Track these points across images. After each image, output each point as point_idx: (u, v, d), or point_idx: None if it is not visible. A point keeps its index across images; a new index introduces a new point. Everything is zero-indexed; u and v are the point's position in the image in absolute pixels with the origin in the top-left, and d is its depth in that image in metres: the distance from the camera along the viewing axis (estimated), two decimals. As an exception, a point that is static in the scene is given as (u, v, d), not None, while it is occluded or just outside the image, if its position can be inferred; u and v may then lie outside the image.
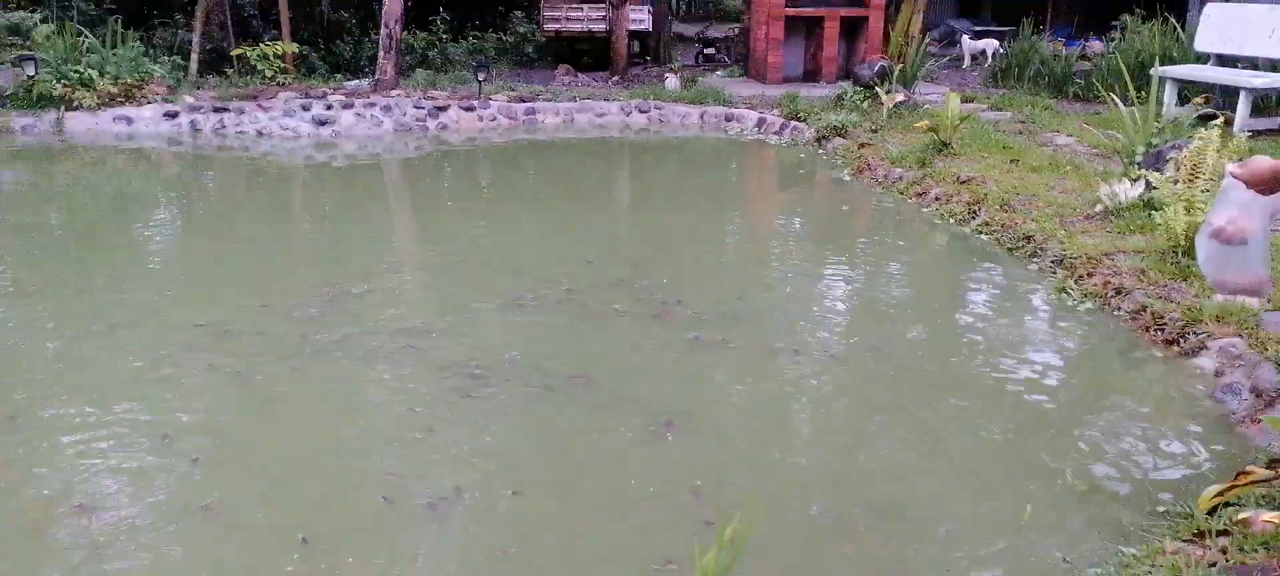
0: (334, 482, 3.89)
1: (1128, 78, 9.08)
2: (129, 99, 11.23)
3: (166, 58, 12.96)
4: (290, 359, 5.04)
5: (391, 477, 3.89)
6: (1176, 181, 5.96)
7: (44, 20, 11.89)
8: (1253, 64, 10.47)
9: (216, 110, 11.39)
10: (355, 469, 4.01)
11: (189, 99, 11.49)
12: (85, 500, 3.67)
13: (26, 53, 11.08)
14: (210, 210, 8.92)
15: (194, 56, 13.23)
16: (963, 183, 8.33)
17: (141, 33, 16.91)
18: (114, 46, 11.88)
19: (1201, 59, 11.03)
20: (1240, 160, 3.80)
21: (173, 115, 11.26)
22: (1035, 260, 6.64)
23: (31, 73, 10.84)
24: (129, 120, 11.12)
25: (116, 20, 12.96)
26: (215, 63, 14.10)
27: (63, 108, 10.87)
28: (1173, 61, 11.56)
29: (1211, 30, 10.87)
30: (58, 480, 3.83)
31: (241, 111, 11.43)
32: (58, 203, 8.88)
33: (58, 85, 10.84)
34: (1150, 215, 6.46)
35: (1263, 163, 2.93)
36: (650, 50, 18.72)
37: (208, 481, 3.86)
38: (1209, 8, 11.31)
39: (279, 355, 5.08)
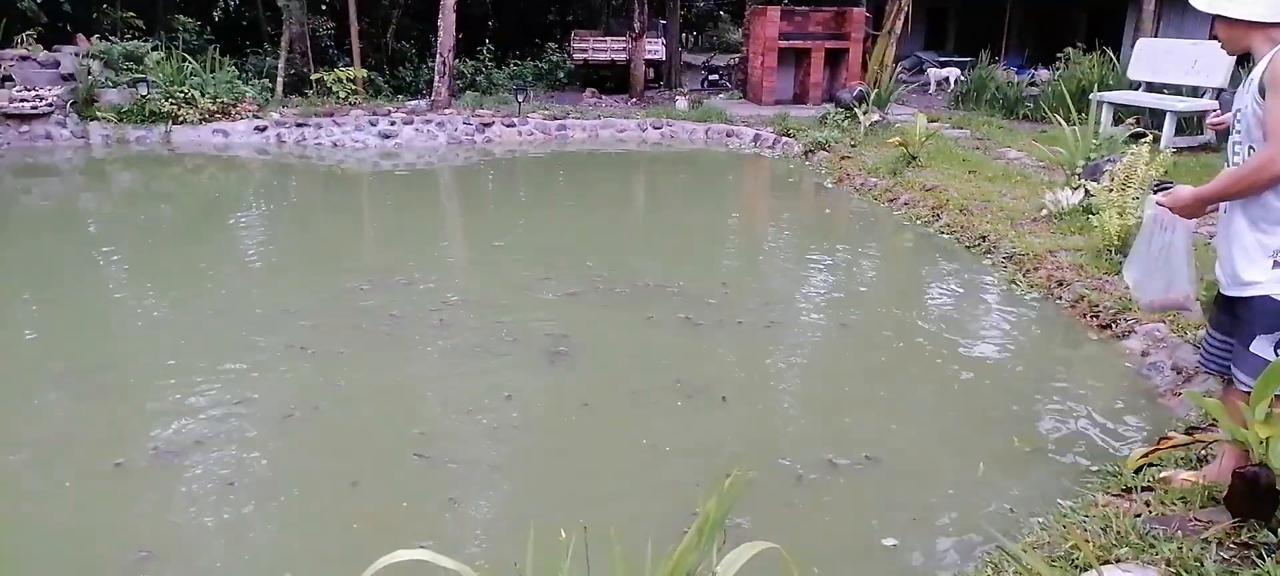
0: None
1: (1070, 101, 9.01)
2: (225, 115, 11.28)
3: (257, 80, 12.99)
4: (352, 330, 5.08)
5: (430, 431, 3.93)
6: (1110, 190, 5.92)
7: (154, 48, 11.92)
8: (1177, 90, 10.37)
9: (298, 125, 11.42)
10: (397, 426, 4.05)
11: (275, 115, 11.52)
12: (163, 446, 3.74)
13: (140, 75, 11.13)
14: (292, 207, 8.99)
15: (279, 79, 13.26)
16: (928, 190, 8.29)
17: (236, 59, 17.00)
18: (213, 71, 11.93)
19: (1134, 86, 10.93)
20: (1163, 188, 3.78)
21: (262, 129, 11.30)
22: (989, 256, 6.60)
23: (144, 93, 10.89)
24: (225, 133, 11.17)
25: (215, 48, 13.01)
26: (297, 85, 14.14)
27: (170, 122, 10.92)
28: (1109, 88, 11.46)
29: (1142, 62, 10.76)
30: (145, 427, 3.89)
31: (319, 126, 11.46)
32: (168, 200, 8.95)
33: (166, 103, 10.90)
34: (1088, 218, 6.43)
35: (1184, 190, 2.89)
36: (663, 76, 18.65)
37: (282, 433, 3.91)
38: (1140, 43, 11.19)
39: (343, 327, 5.12)
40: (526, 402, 4.28)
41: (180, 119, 10.96)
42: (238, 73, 13.74)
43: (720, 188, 10.52)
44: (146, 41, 13.47)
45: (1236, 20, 2.68)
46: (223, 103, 11.28)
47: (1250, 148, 2.72)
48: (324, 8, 18.49)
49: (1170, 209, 2.94)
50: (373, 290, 5.84)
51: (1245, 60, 2.78)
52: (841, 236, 8.00)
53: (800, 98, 14.58)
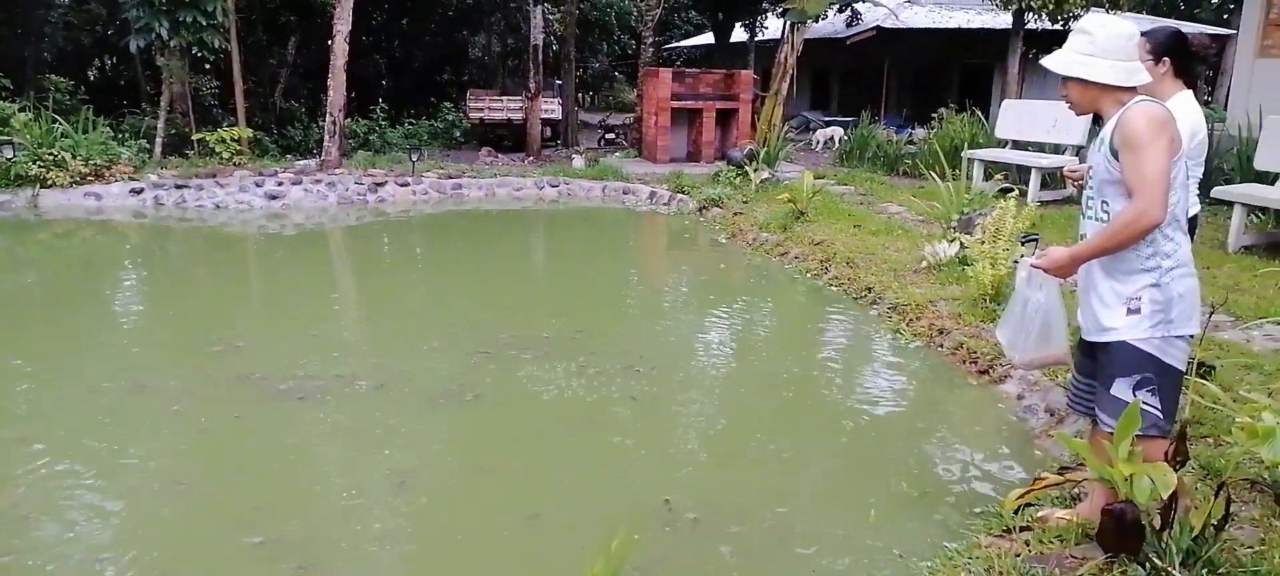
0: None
1: (943, 159, 9.44)
2: (98, 178, 10.72)
3: (133, 141, 12.43)
4: (229, 401, 4.84)
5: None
6: (982, 242, 6.20)
7: (22, 109, 11.29)
8: (1041, 147, 11.01)
9: (178, 187, 10.95)
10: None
11: (153, 177, 11.02)
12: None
13: (4, 137, 10.50)
14: (166, 272, 8.54)
15: (158, 140, 12.71)
16: (816, 244, 8.51)
17: (111, 120, 16.27)
18: (85, 132, 11.37)
19: (1001, 143, 11.54)
20: (1030, 240, 3.98)
21: (138, 191, 10.78)
22: (875, 306, 6.79)
23: (10, 156, 10.27)
24: (98, 196, 10.61)
25: (89, 109, 12.43)
26: (178, 145, 13.59)
27: (38, 186, 10.32)
28: (979, 145, 12.08)
29: (1008, 121, 11.40)
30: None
31: (200, 188, 11.02)
32: (30, 268, 8.41)
33: (33, 166, 10.29)
34: (964, 269, 6.69)
35: (1059, 252, 2.97)
36: (560, 134, 18.78)
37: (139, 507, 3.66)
38: (1005, 104, 11.88)
39: (215, 398, 4.87)
40: (418, 478, 4.14)
41: (49, 182, 10.36)
42: (113, 134, 13.15)
43: (619, 244, 10.57)
44: (14, 102, 12.77)
45: (1089, 82, 2.83)
46: (95, 165, 10.71)
47: (1104, 203, 2.86)
48: (207, 67, 17.97)
49: (1046, 270, 3.01)
50: (244, 359, 5.59)
51: (1098, 117, 2.94)
52: (735, 290, 8.11)
53: (693, 156, 14.86)
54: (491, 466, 4.22)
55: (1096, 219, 2.91)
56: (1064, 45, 2.95)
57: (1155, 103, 2.79)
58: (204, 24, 11.85)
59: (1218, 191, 8.03)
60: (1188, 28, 21.89)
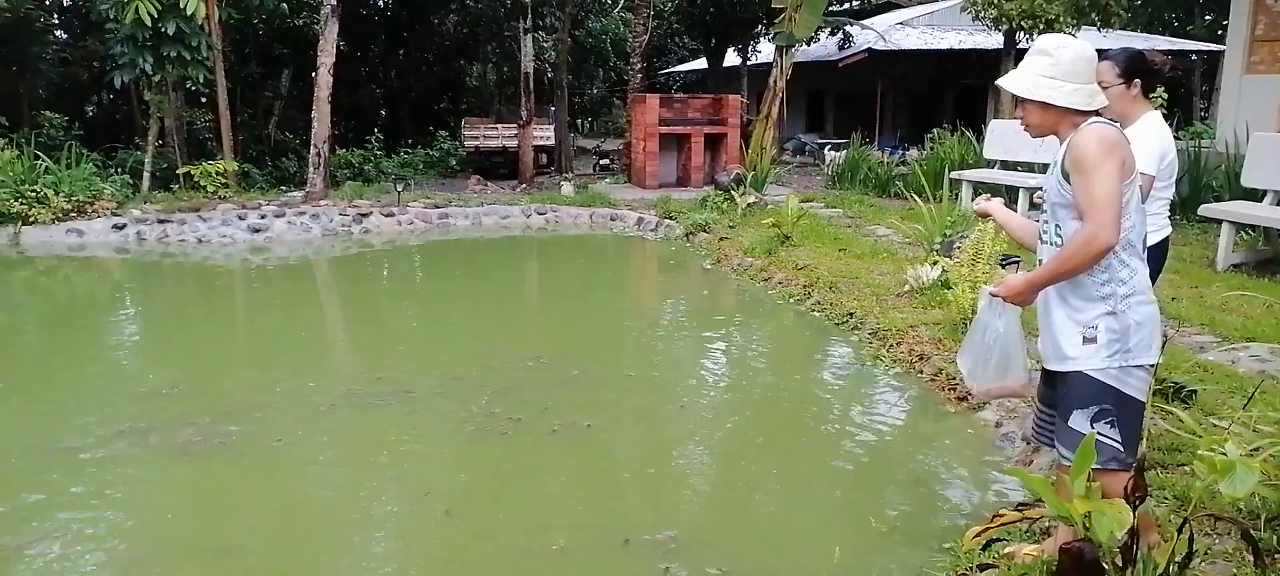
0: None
1: (928, 181, 9.35)
2: (81, 214, 10.66)
3: (117, 176, 12.37)
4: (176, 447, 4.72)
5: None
6: (962, 265, 6.08)
7: (11, 143, 11.25)
8: (1029, 168, 10.90)
9: (160, 221, 10.87)
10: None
11: (136, 212, 10.95)
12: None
13: (-15, 175, 10.47)
14: (140, 308, 8.44)
15: (146, 174, 12.66)
16: (800, 269, 8.40)
17: (103, 154, 16.27)
18: (70, 167, 11.34)
19: (990, 164, 11.44)
20: (1010, 262, 3.86)
21: (120, 227, 10.71)
22: (856, 332, 6.67)
23: (-9, 192, 10.25)
24: (80, 232, 10.54)
25: (76, 145, 12.40)
26: (168, 180, 13.54)
27: (20, 223, 10.26)
28: (969, 166, 11.97)
29: (995, 142, 11.29)
30: None
31: (183, 222, 10.94)
32: (10, 308, 8.33)
33: (15, 203, 10.24)
34: (945, 293, 6.57)
35: (1016, 279, 2.90)
36: (554, 161, 18.73)
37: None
38: (993, 123, 11.79)
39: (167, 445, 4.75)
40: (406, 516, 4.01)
41: (31, 219, 10.29)
42: (104, 168, 13.12)
43: (603, 272, 10.47)
44: (6, 139, 12.75)
45: (1051, 105, 2.72)
46: (78, 201, 10.65)
47: (1057, 226, 2.78)
48: (203, 100, 18.00)
49: (1004, 298, 2.92)
50: (200, 394, 5.48)
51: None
52: (716, 317, 7.99)
53: (683, 181, 14.78)
54: (453, 512, 4.09)
55: (1051, 243, 2.82)
56: (1021, 66, 2.84)
57: (1107, 124, 2.70)
58: (188, 59, 11.83)
59: (1205, 209, 7.89)
60: (1161, 44, 21.90)
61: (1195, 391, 4.48)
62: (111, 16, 11.54)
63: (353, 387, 5.60)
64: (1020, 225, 3.22)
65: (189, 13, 11.45)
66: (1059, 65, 2.72)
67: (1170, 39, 23.68)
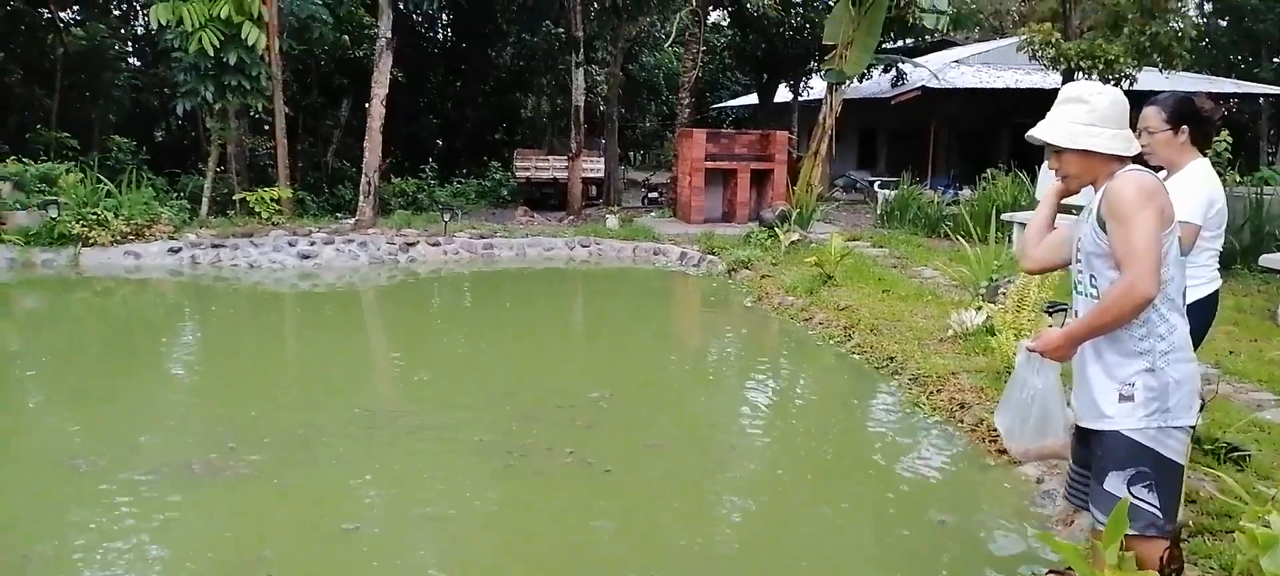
0: None
1: (978, 222, 9.11)
2: (139, 237, 10.95)
3: (175, 200, 12.73)
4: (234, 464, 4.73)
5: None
6: (1006, 311, 5.87)
7: (70, 170, 11.64)
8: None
9: (214, 246, 11.12)
10: None
11: (191, 236, 11.23)
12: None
13: (51, 198, 10.82)
14: (191, 332, 8.60)
15: (205, 199, 13.01)
16: (841, 309, 8.22)
17: (167, 178, 16.78)
18: (131, 190, 11.68)
19: (1042, 205, 11.11)
20: (1058, 309, 3.69)
21: (176, 250, 10.98)
22: (896, 377, 6.47)
23: (55, 215, 10.57)
24: (137, 255, 10.82)
25: (142, 169, 12.80)
26: (228, 204, 13.88)
27: (80, 244, 10.57)
28: (1021, 208, 11.68)
29: (1047, 183, 10.97)
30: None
31: (236, 247, 11.17)
32: (67, 326, 8.58)
33: (77, 225, 10.56)
34: (990, 339, 6.35)
35: (1054, 333, 2.75)
36: (603, 193, 18.81)
37: None
38: (1044, 165, 11.46)
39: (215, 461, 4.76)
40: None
41: (91, 241, 10.61)
42: (164, 192, 13.49)
43: (642, 307, 10.40)
44: (75, 162, 13.21)
45: (1091, 153, 2.61)
46: (137, 224, 10.96)
47: (1091, 277, 2.65)
48: (266, 128, 18.47)
49: (1041, 353, 2.76)
50: (231, 420, 5.50)
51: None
52: (753, 357, 7.86)
53: (728, 216, 14.69)
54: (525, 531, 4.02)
55: (1086, 295, 2.70)
56: (1052, 113, 2.72)
57: (1144, 171, 2.60)
58: (248, 88, 12.14)
59: (1267, 259, 7.53)
60: (1227, 87, 21.24)
61: (1249, 453, 4.22)
62: (176, 46, 11.92)
63: (383, 416, 5.58)
64: (1044, 224, 3.01)
65: (250, 43, 11.77)
66: (1097, 111, 2.62)
67: (1237, 82, 22.96)
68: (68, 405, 6.04)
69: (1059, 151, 2.69)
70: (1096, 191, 2.68)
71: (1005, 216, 10.55)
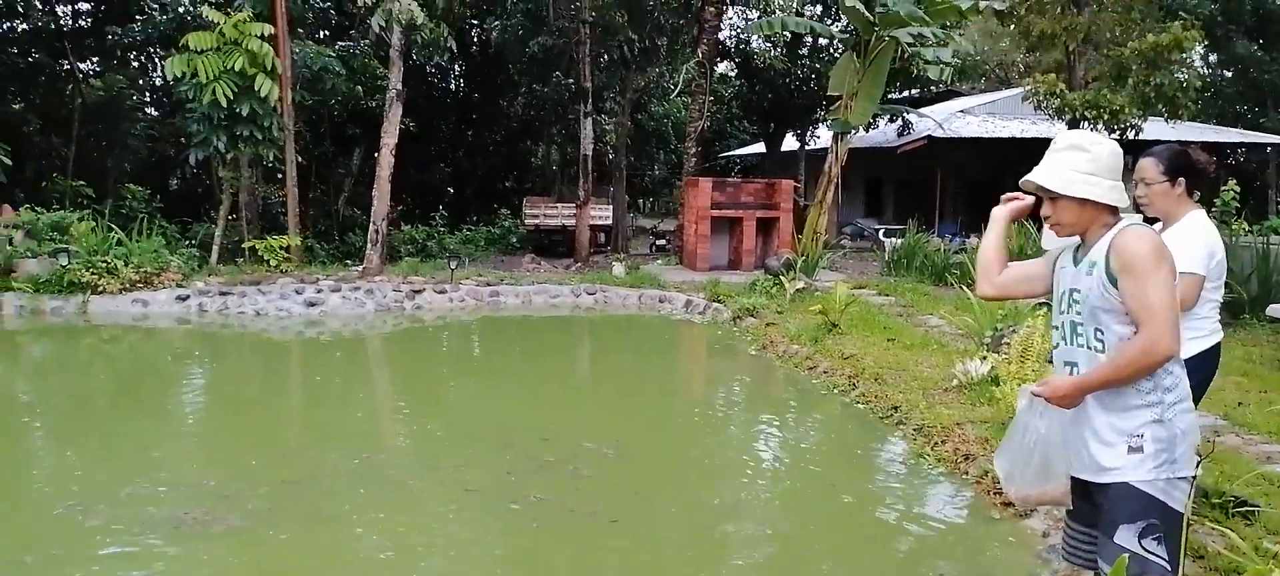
0: None
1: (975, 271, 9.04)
2: (147, 284, 10.99)
3: (186, 248, 12.82)
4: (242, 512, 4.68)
5: None
6: (1010, 362, 5.81)
7: (81, 218, 11.73)
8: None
9: (222, 293, 11.15)
10: None
11: (199, 284, 11.26)
12: None
13: (62, 246, 10.90)
14: (203, 378, 8.61)
15: (215, 246, 13.10)
16: (846, 358, 8.15)
17: (180, 223, 16.94)
18: (142, 238, 11.76)
19: (1044, 254, 11.06)
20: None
21: (183, 298, 11.01)
22: (900, 427, 6.39)
23: (65, 263, 10.64)
24: (145, 303, 10.85)
25: (154, 217, 12.91)
26: (237, 252, 13.96)
27: (89, 292, 10.62)
28: (1027, 257, 11.60)
29: (1050, 232, 10.94)
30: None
31: (243, 295, 11.20)
32: (71, 373, 8.59)
33: (86, 273, 10.62)
34: (994, 389, 6.28)
35: (1063, 381, 2.69)
36: (612, 240, 18.87)
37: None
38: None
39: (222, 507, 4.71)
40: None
41: (100, 289, 10.65)
42: (176, 240, 13.59)
43: (646, 355, 10.35)
44: (90, 210, 13.35)
45: (1088, 202, 2.58)
46: (146, 272, 11.01)
47: (1097, 330, 2.59)
48: (279, 176, 18.66)
49: (1048, 399, 2.68)
50: (221, 467, 5.46)
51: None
52: (756, 407, 7.79)
53: (734, 264, 14.69)
54: None
55: (1089, 348, 2.63)
56: (1050, 160, 2.68)
57: (1145, 226, 2.58)
58: (260, 138, 12.28)
59: (1274, 309, 7.45)
60: (1233, 137, 21.23)
61: (1258, 507, 4.13)
62: (190, 97, 12.09)
63: (382, 466, 5.53)
64: (999, 247, 2.95)
65: (263, 95, 11.93)
66: (1098, 161, 2.59)
67: (1243, 132, 22.98)
68: (69, 452, 6.02)
69: (1055, 198, 2.64)
70: (1086, 241, 2.64)
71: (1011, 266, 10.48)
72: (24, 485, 5.30)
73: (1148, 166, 3.44)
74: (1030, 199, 2.95)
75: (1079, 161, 2.60)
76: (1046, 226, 2.78)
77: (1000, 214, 2.95)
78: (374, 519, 4.70)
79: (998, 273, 2.95)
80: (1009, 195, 2.96)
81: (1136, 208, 3.40)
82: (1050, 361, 5.68)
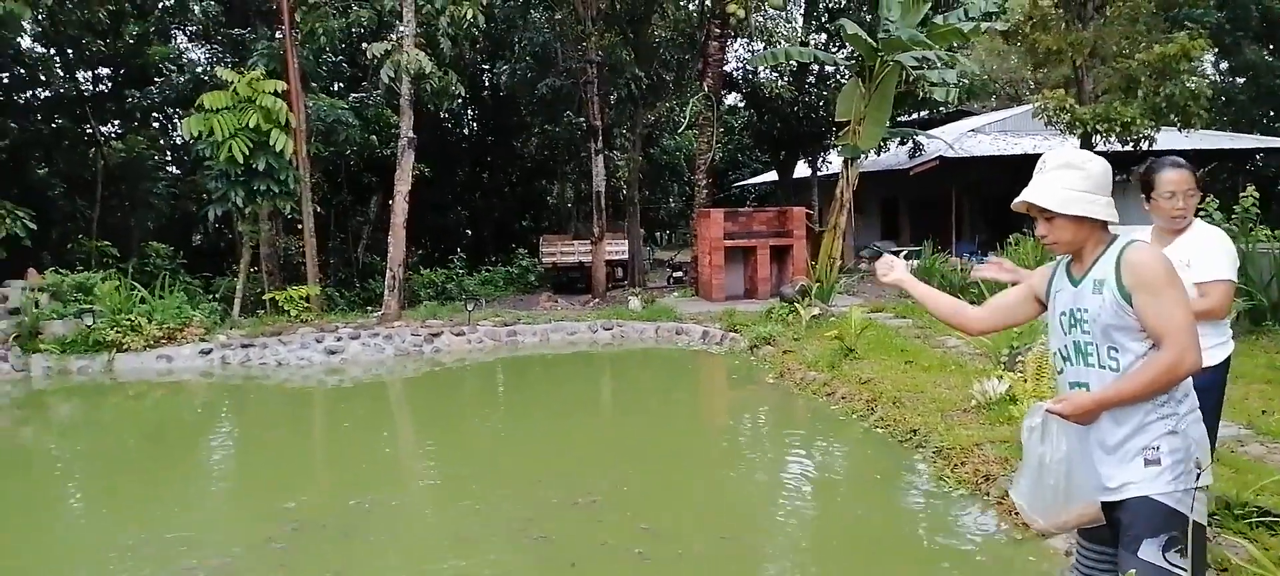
0: None
1: (988, 289, 8.98)
2: (171, 340, 11.13)
3: (208, 302, 12.98)
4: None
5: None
6: (1025, 380, 5.76)
7: (105, 278, 11.91)
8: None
9: (244, 346, 11.27)
10: None
11: (222, 337, 11.38)
12: None
13: (88, 305, 11.07)
14: (227, 429, 8.70)
15: (237, 300, 13.25)
16: (863, 383, 8.11)
17: (203, 278, 17.16)
18: (164, 295, 11.92)
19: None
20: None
21: (206, 352, 11.13)
22: (920, 450, 6.34)
23: (90, 323, 10.80)
24: (169, 358, 10.98)
25: (177, 274, 13.08)
26: (260, 304, 14.11)
27: (114, 350, 10.76)
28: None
29: (981, 266, 10.86)
30: None
31: (264, 346, 11.31)
32: (97, 431, 8.69)
33: (111, 332, 10.77)
34: (1012, 408, 6.22)
35: (1082, 396, 2.61)
36: (629, 274, 18.93)
37: None
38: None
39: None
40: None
41: (124, 347, 10.79)
42: (197, 295, 13.75)
43: (664, 388, 10.34)
44: (114, 269, 13.56)
45: (1085, 220, 2.56)
46: (169, 328, 11.15)
47: (1110, 348, 2.54)
48: (298, 227, 18.91)
49: (1066, 416, 2.59)
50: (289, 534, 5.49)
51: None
52: (777, 436, 7.75)
53: (750, 292, 14.67)
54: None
55: (1100, 366, 2.58)
56: (1042, 179, 2.67)
57: (1146, 242, 2.61)
58: (277, 192, 12.46)
59: (1295, 315, 7.35)
60: (1248, 143, 21.01)
61: (1282, 518, 4.05)
62: (208, 155, 12.31)
63: (402, 509, 5.55)
64: (926, 294, 3.07)
65: (279, 149, 12.12)
66: (1093, 178, 2.58)
67: (1260, 138, 22.77)
68: (97, 507, 6.09)
69: (1052, 217, 2.61)
70: (1082, 259, 2.62)
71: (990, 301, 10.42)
72: (59, 541, 5.36)
73: (1184, 178, 3.34)
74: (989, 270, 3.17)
75: (1073, 180, 2.59)
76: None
77: (903, 279, 3.13)
78: (395, 565, 4.72)
79: (971, 314, 3.01)
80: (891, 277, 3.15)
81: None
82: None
